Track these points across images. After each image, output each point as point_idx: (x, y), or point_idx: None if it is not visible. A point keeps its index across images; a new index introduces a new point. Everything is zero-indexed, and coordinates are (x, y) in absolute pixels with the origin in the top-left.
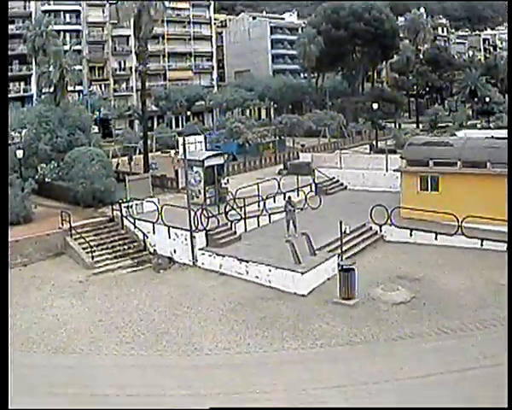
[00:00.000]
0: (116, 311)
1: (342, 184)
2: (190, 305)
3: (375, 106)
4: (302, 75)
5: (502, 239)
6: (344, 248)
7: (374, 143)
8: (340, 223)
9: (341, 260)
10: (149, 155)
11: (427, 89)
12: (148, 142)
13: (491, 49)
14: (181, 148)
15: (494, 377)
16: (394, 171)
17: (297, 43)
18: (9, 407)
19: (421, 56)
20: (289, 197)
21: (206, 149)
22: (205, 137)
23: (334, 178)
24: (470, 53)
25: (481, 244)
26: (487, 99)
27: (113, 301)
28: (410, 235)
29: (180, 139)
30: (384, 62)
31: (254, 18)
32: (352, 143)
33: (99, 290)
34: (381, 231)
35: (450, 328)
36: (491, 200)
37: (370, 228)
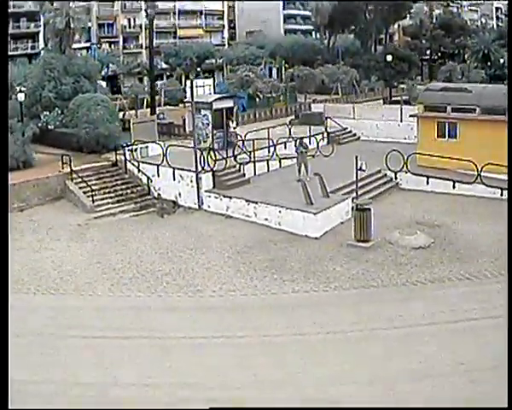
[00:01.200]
0: (115, 253)
1: (355, 135)
2: (194, 247)
3: (389, 57)
4: (314, 35)
5: None
6: (359, 192)
7: (388, 96)
8: (356, 158)
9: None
10: (157, 109)
11: (440, 53)
12: (157, 97)
13: (504, 17)
14: (188, 91)
15: None
16: (411, 116)
17: None
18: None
19: (434, 21)
20: (301, 138)
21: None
22: (214, 81)
23: (346, 128)
24: (483, 20)
25: (501, 194)
26: (501, 63)
27: (113, 244)
28: (427, 183)
29: (188, 82)
30: (396, 26)
31: None
32: (365, 98)
33: (98, 234)
34: (396, 178)
35: (472, 274)
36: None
37: (385, 175)
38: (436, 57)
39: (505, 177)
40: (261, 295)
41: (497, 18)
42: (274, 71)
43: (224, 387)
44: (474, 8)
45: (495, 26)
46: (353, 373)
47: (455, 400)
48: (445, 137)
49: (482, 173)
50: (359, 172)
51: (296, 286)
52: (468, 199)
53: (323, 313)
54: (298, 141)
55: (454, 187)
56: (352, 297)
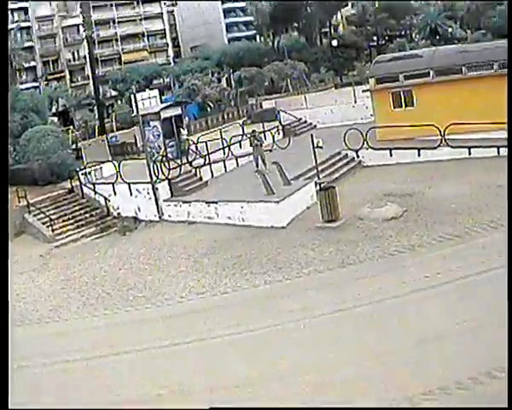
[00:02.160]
0: (79, 277)
1: (311, 124)
2: (158, 258)
3: (335, 42)
4: (259, 39)
5: (491, 145)
6: (320, 176)
7: (338, 83)
8: (312, 136)
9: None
10: (110, 134)
11: (387, 36)
12: (109, 124)
13: None
14: (133, 105)
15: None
16: (363, 91)
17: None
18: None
19: (376, 5)
20: (253, 131)
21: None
22: (160, 93)
23: (301, 119)
24: None
25: (469, 153)
26: (449, 34)
27: (76, 268)
28: (390, 155)
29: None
30: (340, 17)
31: None
32: (317, 89)
33: (61, 261)
34: (358, 156)
35: (452, 234)
36: (471, 106)
37: (346, 155)
38: (384, 41)
39: (471, 136)
40: (232, 292)
41: None
42: (223, 80)
43: (206, 388)
44: None
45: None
46: (346, 355)
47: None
48: (401, 106)
49: (446, 136)
50: (319, 152)
51: (268, 278)
52: (435, 164)
53: (299, 299)
54: (251, 134)
55: (419, 155)
56: (327, 279)
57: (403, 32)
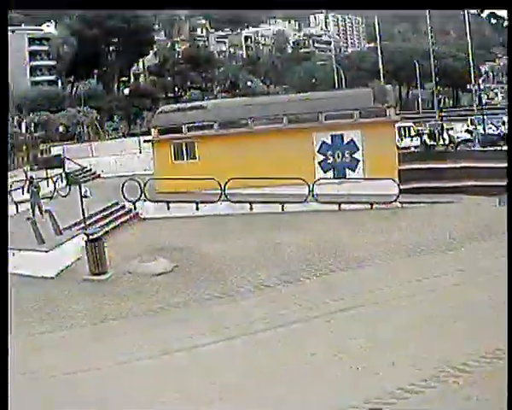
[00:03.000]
0: None
1: (95, 173)
2: None
3: (126, 91)
4: (61, 84)
5: (273, 200)
6: (95, 226)
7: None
8: (79, 185)
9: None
10: None
11: (188, 88)
12: None
13: (254, 46)
14: None
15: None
16: (145, 142)
17: (50, 45)
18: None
19: (179, 56)
20: (31, 177)
21: None
22: None
23: (86, 167)
24: (231, 50)
25: (250, 208)
26: (248, 86)
27: None
28: (168, 208)
29: None
30: (142, 66)
31: (13, 31)
32: (109, 138)
33: None
34: (135, 208)
35: (221, 292)
36: (255, 161)
37: (123, 207)
38: (183, 92)
39: (257, 191)
40: None
41: (247, 47)
42: (23, 124)
43: None
44: (221, 40)
45: (244, 55)
46: None
47: None
48: (183, 158)
49: (227, 190)
50: (94, 202)
51: (32, 330)
52: (214, 219)
53: (57, 354)
54: (28, 180)
55: (197, 209)
56: (89, 333)
57: (204, 85)
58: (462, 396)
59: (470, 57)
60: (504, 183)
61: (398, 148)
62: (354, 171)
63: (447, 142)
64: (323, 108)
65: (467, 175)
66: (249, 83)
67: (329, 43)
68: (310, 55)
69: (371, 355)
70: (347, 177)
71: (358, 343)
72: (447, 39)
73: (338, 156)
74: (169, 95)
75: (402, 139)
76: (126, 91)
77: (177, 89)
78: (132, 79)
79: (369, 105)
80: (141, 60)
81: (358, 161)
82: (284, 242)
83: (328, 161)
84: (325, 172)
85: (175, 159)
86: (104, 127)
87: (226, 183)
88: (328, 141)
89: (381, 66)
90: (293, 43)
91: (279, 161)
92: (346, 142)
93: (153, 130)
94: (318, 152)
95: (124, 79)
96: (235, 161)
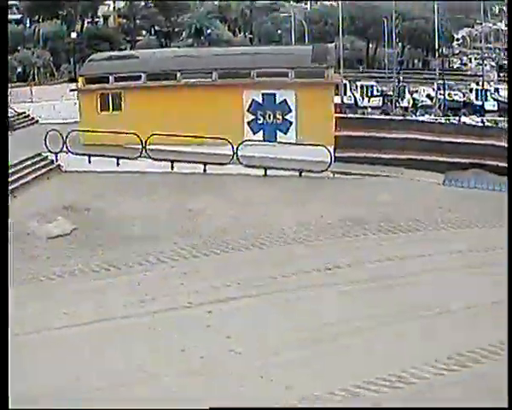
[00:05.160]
0: None
1: (33, 119)
2: None
3: (74, 35)
4: (28, 24)
5: (194, 160)
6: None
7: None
8: None
9: None
10: None
11: (155, 32)
12: None
13: None
14: None
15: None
16: (71, 91)
17: None
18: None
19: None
20: None
21: None
22: None
23: (24, 112)
24: None
25: (172, 167)
26: (211, 35)
27: None
28: (89, 162)
29: None
30: (112, 8)
31: None
32: (62, 80)
33: None
34: (57, 160)
35: (113, 264)
36: (182, 115)
37: (46, 157)
38: (150, 36)
39: (176, 147)
40: None
41: None
42: None
43: None
44: None
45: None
46: None
47: None
48: (108, 109)
49: (152, 146)
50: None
51: None
52: (132, 176)
53: None
54: None
55: (118, 164)
56: None
57: (171, 30)
58: None
59: (442, 21)
60: (455, 159)
61: (357, 106)
62: (286, 134)
63: (408, 104)
64: (257, 64)
65: (413, 148)
66: (215, 30)
67: None
68: (279, 6)
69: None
70: (278, 140)
71: None
72: (424, 2)
73: (269, 117)
74: (128, 39)
75: (363, 98)
76: (73, 35)
77: (142, 32)
78: (102, 21)
79: (307, 64)
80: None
81: (291, 123)
82: (198, 209)
83: (259, 122)
84: (254, 133)
85: (101, 110)
86: (61, 70)
87: (147, 139)
88: (259, 100)
89: (341, 22)
90: None
91: (207, 117)
92: (278, 102)
93: (80, 78)
94: (248, 111)
95: (91, 20)
96: (161, 115)
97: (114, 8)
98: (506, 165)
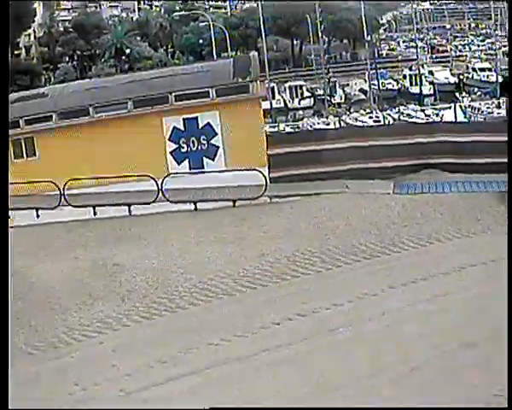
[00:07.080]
0: None
1: None
2: None
3: None
4: None
5: (117, 202)
6: None
7: None
8: None
9: None
10: None
11: (77, 57)
12: None
13: (147, 8)
14: None
15: None
16: None
17: None
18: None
19: (68, 25)
20: None
21: None
22: None
23: None
24: (124, 15)
25: (94, 213)
26: (133, 54)
27: None
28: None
29: None
30: (33, 38)
31: None
32: None
33: None
34: None
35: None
36: (99, 155)
37: None
38: (72, 62)
39: (98, 189)
40: None
41: (139, 10)
42: None
43: None
44: (114, 3)
45: (134, 19)
46: None
47: None
48: (23, 156)
49: (72, 191)
50: None
51: None
52: (52, 228)
53: None
54: None
55: (38, 216)
56: None
57: (93, 52)
58: None
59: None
60: (405, 162)
61: (288, 109)
62: (213, 160)
63: (341, 100)
64: (174, 86)
65: (357, 156)
66: (136, 48)
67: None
68: (198, 15)
69: None
70: (205, 168)
71: None
72: None
73: (193, 144)
74: (50, 67)
75: (293, 100)
76: None
77: (66, 59)
78: (24, 53)
79: (228, 80)
80: (29, 32)
81: (218, 147)
82: (123, 262)
83: (182, 150)
84: (179, 163)
85: (15, 158)
86: None
87: (65, 185)
88: (181, 126)
89: (262, 23)
90: (182, 1)
91: (125, 153)
92: (201, 126)
93: None
94: (170, 140)
95: (16, 52)
96: (77, 156)
97: (35, 36)
98: (457, 161)
